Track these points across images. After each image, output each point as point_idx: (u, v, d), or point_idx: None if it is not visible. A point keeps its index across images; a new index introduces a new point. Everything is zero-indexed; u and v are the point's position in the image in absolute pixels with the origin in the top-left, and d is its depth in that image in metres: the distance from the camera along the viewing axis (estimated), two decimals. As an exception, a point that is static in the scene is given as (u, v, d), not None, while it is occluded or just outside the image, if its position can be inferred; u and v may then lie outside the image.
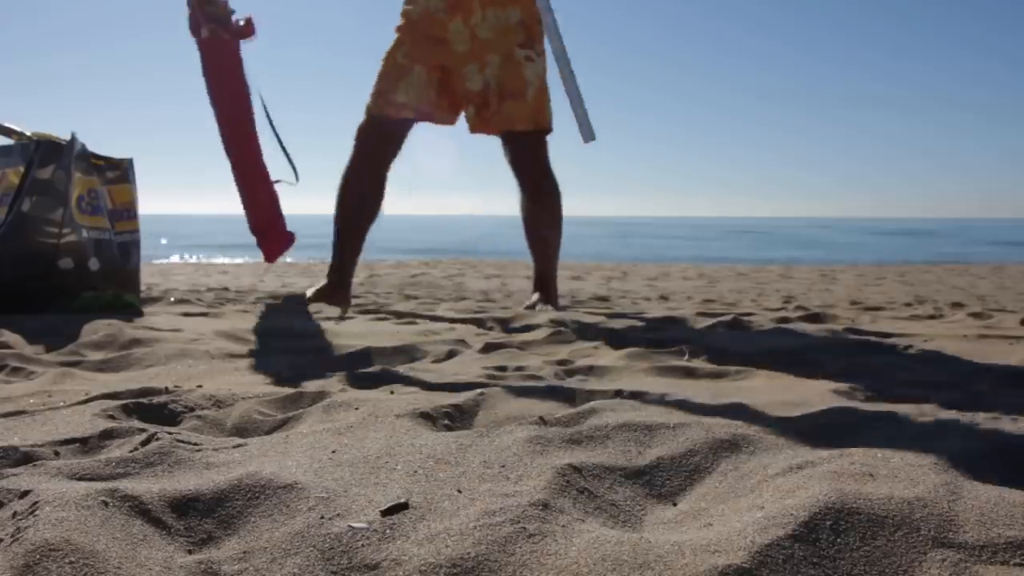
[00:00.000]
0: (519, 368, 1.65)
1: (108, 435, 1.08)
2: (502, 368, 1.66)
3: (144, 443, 1.02)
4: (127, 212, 2.93)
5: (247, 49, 3.01)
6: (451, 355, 1.85)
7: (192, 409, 1.25)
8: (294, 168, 3.16)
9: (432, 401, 1.24)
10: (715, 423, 1.07)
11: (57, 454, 1.02)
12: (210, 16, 2.88)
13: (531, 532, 0.73)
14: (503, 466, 0.92)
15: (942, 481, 0.83)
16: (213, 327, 2.23)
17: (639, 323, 2.46)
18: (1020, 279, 8.40)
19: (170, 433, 1.06)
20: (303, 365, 1.68)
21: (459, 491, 0.84)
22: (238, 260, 10.81)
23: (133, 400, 1.27)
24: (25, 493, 0.81)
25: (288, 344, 1.97)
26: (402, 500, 0.81)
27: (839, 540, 0.71)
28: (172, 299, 3.42)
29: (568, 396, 1.34)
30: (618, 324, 2.40)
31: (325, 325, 2.31)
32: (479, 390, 1.32)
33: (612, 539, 0.72)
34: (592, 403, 1.19)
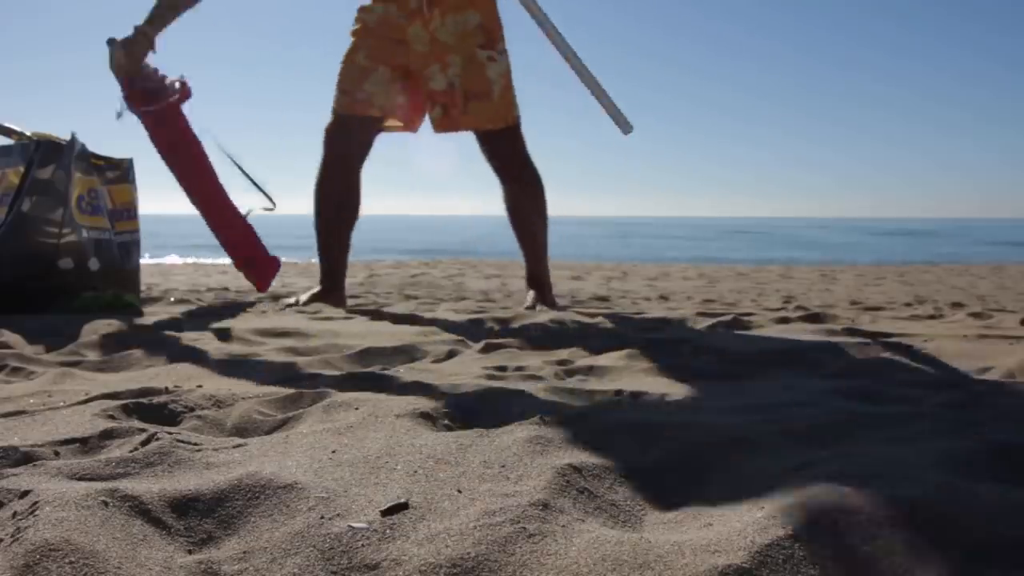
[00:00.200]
0: (519, 368, 1.65)
1: (108, 435, 1.08)
2: (502, 368, 1.66)
3: (144, 443, 1.02)
4: (127, 212, 2.93)
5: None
6: (451, 355, 1.85)
7: (192, 409, 1.25)
8: (268, 196, 3.23)
9: (432, 401, 1.24)
10: (715, 423, 1.08)
11: (57, 454, 1.02)
12: (145, 90, 2.90)
13: (531, 532, 0.73)
14: (503, 466, 0.92)
15: (942, 481, 0.83)
16: (213, 327, 2.23)
17: (639, 323, 2.45)
18: (1020, 279, 8.40)
19: (170, 433, 1.06)
20: (303, 365, 1.68)
21: (459, 491, 0.84)
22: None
23: (133, 400, 1.27)
24: (25, 493, 0.81)
25: (288, 344, 1.97)
26: (402, 500, 0.81)
27: (839, 540, 0.71)
28: (172, 299, 3.42)
29: (568, 396, 1.34)
30: (618, 324, 2.40)
31: (325, 325, 2.31)
32: (479, 390, 1.32)
33: (612, 539, 0.72)
34: (592, 403, 1.19)
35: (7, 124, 2.83)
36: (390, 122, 3.10)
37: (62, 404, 1.28)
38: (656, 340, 2.03)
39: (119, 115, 2.84)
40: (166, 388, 1.37)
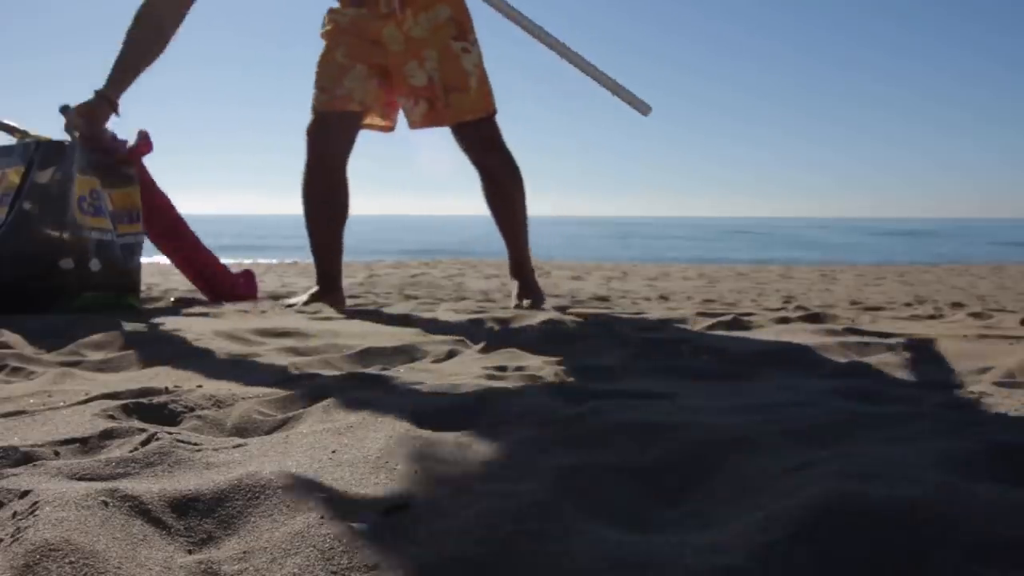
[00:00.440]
0: (519, 368, 1.65)
1: (108, 435, 1.08)
2: (502, 368, 1.66)
3: (144, 443, 1.02)
4: (129, 215, 2.93)
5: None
6: (451, 355, 1.85)
7: (192, 409, 1.25)
8: None
9: (432, 401, 1.24)
10: (715, 423, 1.08)
11: (57, 454, 1.02)
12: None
13: (531, 532, 0.73)
14: (503, 466, 0.92)
15: (942, 481, 0.83)
16: (213, 327, 2.23)
17: (639, 323, 2.45)
18: (1020, 279, 8.40)
19: (170, 433, 1.06)
20: (303, 365, 1.68)
21: (459, 491, 0.84)
22: (238, 260, 10.82)
23: (133, 400, 1.27)
24: (25, 493, 0.81)
25: (288, 344, 1.97)
26: (402, 500, 0.81)
27: (839, 540, 0.71)
28: (172, 299, 3.42)
29: (568, 396, 1.34)
30: (618, 324, 2.40)
31: (325, 325, 2.31)
32: (479, 390, 1.32)
33: (612, 539, 0.72)
34: (592, 403, 1.19)
35: (9, 122, 2.83)
36: (370, 119, 3.12)
37: (62, 404, 1.28)
38: (656, 340, 2.03)
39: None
40: (166, 388, 1.37)
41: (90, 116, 2.74)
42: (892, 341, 2.06)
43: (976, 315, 2.86)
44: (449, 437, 1.03)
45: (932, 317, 2.86)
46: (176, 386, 1.40)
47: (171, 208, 3.20)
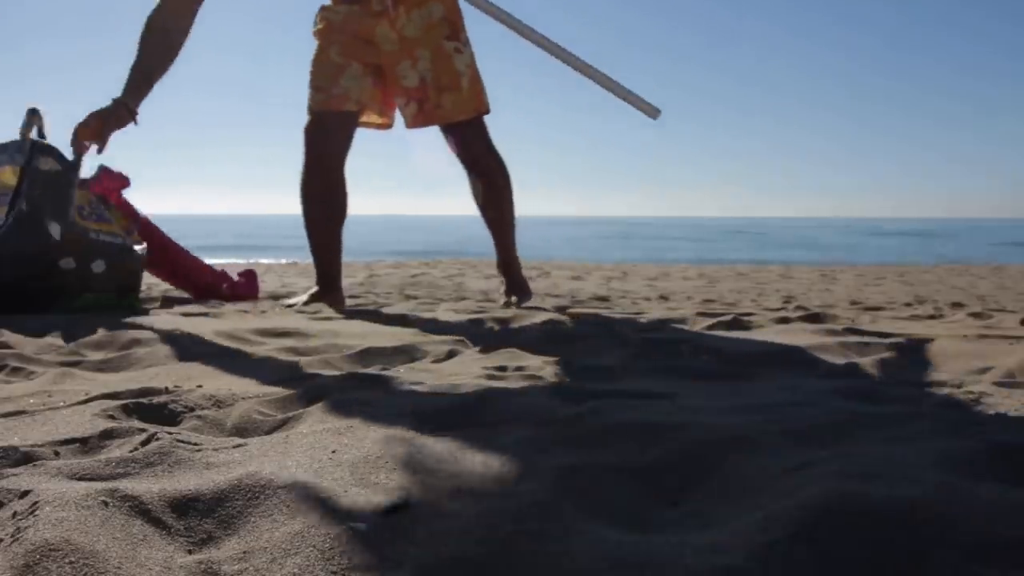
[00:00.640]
0: (519, 368, 1.65)
1: (108, 435, 1.08)
2: (502, 368, 1.66)
3: (144, 443, 1.02)
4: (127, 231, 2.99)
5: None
6: (451, 355, 1.85)
7: (192, 409, 1.25)
8: None
9: (432, 401, 1.24)
10: (715, 423, 1.07)
11: (57, 454, 1.02)
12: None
13: (531, 532, 0.73)
14: (503, 466, 0.92)
15: (942, 481, 0.83)
16: (213, 327, 2.23)
17: (639, 323, 2.45)
18: (1020, 279, 8.40)
19: (170, 433, 1.06)
20: (303, 365, 1.68)
21: (459, 491, 0.84)
22: (239, 260, 10.82)
23: (133, 400, 1.27)
24: (25, 493, 0.81)
25: (288, 344, 1.97)
26: (402, 500, 0.81)
27: (839, 540, 0.71)
28: (172, 299, 3.42)
29: (568, 396, 1.34)
30: (618, 324, 2.40)
31: (325, 325, 2.31)
32: (479, 390, 1.32)
33: (612, 539, 0.72)
34: (592, 403, 1.19)
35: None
36: (367, 116, 3.12)
37: (62, 404, 1.28)
38: (656, 340, 2.03)
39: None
40: (166, 388, 1.37)
41: (108, 120, 2.69)
42: (892, 341, 2.06)
43: (976, 315, 2.86)
44: (449, 437, 1.03)
45: (932, 317, 2.86)
46: (176, 386, 1.40)
47: (156, 232, 3.27)
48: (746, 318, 2.59)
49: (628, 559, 0.69)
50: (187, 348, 1.85)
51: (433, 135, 3.14)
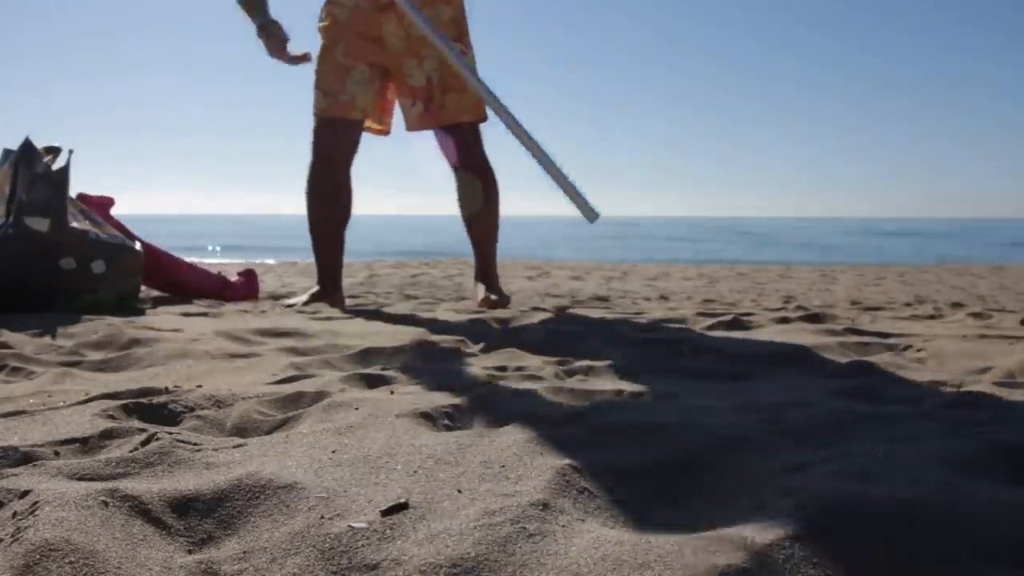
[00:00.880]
0: (519, 368, 1.65)
1: (108, 435, 1.08)
2: (502, 368, 1.66)
3: (144, 443, 1.02)
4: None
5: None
6: (451, 355, 1.85)
7: (192, 409, 1.25)
8: None
9: (432, 401, 1.24)
10: (715, 423, 1.07)
11: (57, 454, 1.02)
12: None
13: (531, 532, 0.73)
14: (503, 466, 0.92)
15: (942, 481, 0.83)
16: (213, 327, 2.23)
17: (639, 323, 2.45)
18: (1020, 279, 8.39)
19: (170, 433, 1.06)
20: (303, 365, 1.68)
21: (459, 491, 0.84)
22: (238, 260, 10.81)
23: (133, 400, 1.27)
24: (25, 493, 0.81)
25: (288, 344, 1.97)
26: (402, 500, 0.81)
27: (839, 540, 0.71)
28: (172, 299, 3.42)
29: (568, 396, 1.34)
30: (618, 324, 2.40)
31: (325, 325, 2.31)
32: (479, 390, 1.32)
33: (612, 539, 0.72)
34: (592, 403, 1.19)
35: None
36: (369, 123, 3.13)
37: (62, 404, 1.28)
38: (656, 340, 2.03)
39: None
40: (166, 388, 1.37)
41: (273, 38, 3.04)
42: (892, 341, 2.06)
43: (976, 315, 2.86)
44: (449, 437, 1.03)
45: (932, 317, 2.86)
46: (176, 386, 1.40)
47: (149, 246, 3.29)
48: (746, 318, 2.59)
49: (628, 559, 0.69)
50: (187, 348, 1.85)
51: (432, 137, 3.14)
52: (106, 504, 0.78)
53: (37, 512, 0.75)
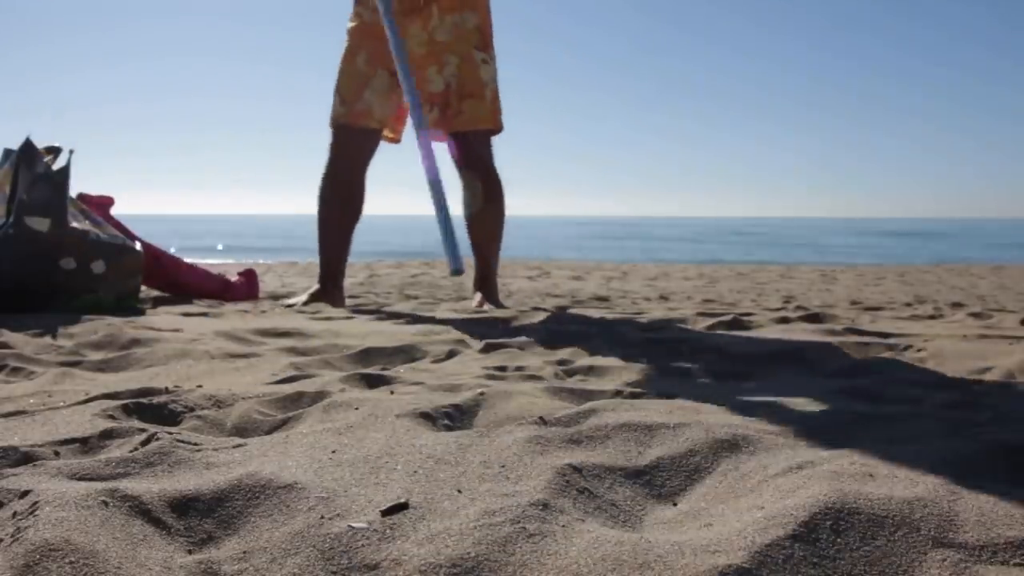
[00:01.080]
0: (519, 368, 1.65)
1: (108, 435, 1.08)
2: (502, 368, 1.66)
3: (144, 443, 1.02)
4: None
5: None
6: (451, 355, 1.85)
7: (192, 409, 1.25)
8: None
9: (432, 401, 1.24)
10: (715, 423, 1.07)
11: (57, 454, 1.02)
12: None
13: (531, 532, 0.73)
14: (503, 466, 0.92)
15: (942, 481, 0.83)
16: (213, 327, 2.23)
17: (639, 323, 2.45)
18: (1020, 279, 8.39)
19: (170, 433, 1.06)
20: (303, 365, 1.68)
21: (459, 491, 0.84)
22: (237, 260, 10.82)
23: (133, 400, 1.27)
24: (25, 493, 0.81)
25: (288, 344, 1.97)
26: (402, 500, 0.81)
27: (839, 540, 0.71)
28: (172, 299, 3.42)
29: (568, 396, 1.34)
30: (618, 324, 2.40)
31: (325, 325, 2.31)
32: (479, 390, 1.32)
33: (612, 539, 0.72)
34: (592, 403, 1.19)
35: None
36: (385, 131, 3.15)
37: (62, 404, 1.28)
38: (656, 340, 2.03)
39: None
40: (166, 388, 1.37)
41: None
42: (892, 341, 2.06)
43: (976, 315, 2.86)
44: (449, 437, 1.03)
45: (932, 317, 2.86)
46: (176, 386, 1.40)
47: (149, 246, 3.30)
48: (746, 318, 2.59)
49: (628, 559, 0.69)
50: (187, 348, 1.85)
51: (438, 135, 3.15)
52: (106, 504, 0.78)
53: (37, 512, 0.75)
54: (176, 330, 2.16)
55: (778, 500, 0.80)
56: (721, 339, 2.07)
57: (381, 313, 2.80)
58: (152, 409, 1.24)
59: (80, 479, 0.89)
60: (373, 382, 1.48)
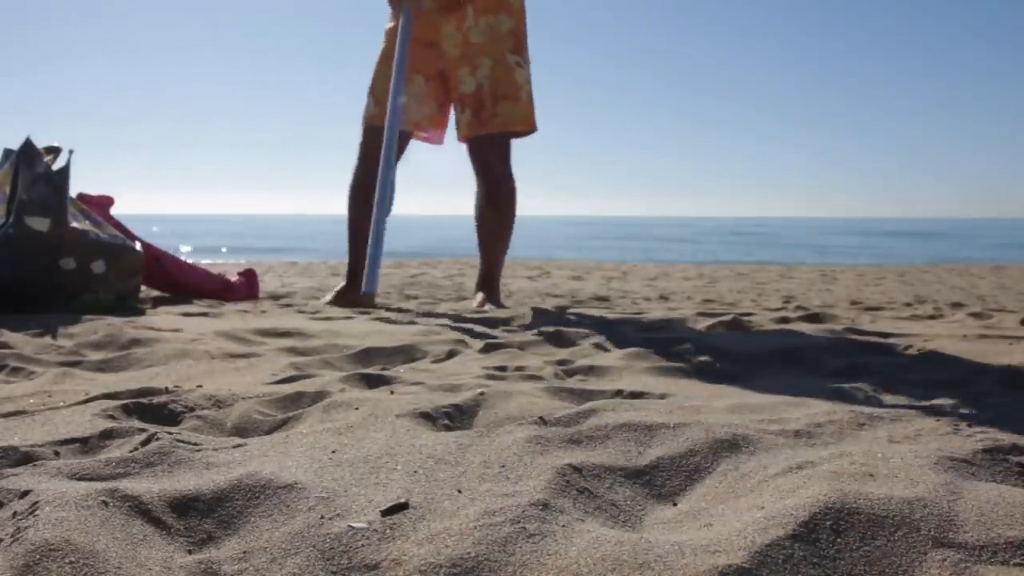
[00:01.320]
0: (519, 368, 1.65)
1: (108, 435, 1.08)
2: (502, 368, 1.66)
3: (144, 443, 1.02)
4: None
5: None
6: (451, 355, 1.85)
7: (192, 409, 1.25)
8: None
9: (432, 401, 1.24)
10: (715, 423, 1.07)
11: (57, 454, 1.02)
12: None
13: (531, 532, 0.73)
14: (503, 466, 0.92)
15: (942, 481, 0.83)
16: (213, 327, 2.23)
17: (639, 323, 2.45)
18: (1020, 279, 8.39)
19: (170, 433, 1.06)
20: (303, 365, 1.68)
21: (459, 491, 0.84)
22: (238, 260, 10.81)
23: (133, 400, 1.27)
24: (25, 493, 0.81)
25: (288, 344, 1.97)
26: (402, 500, 0.81)
27: (839, 540, 0.71)
28: (172, 299, 3.42)
29: (568, 396, 1.34)
30: (618, 324, 2.40)
31: (325, 325, 2.31)
32: (479, 390, 1.32)
33: (612, 539, 0.72)
34: (592, 403, 1.19)
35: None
36: (418, 131, 3.16)
37: (62, 404, 1.28)
38: (656, 340, 2.03)
39: None
40: (166, 388, 1.37)
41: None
42: (892, 341, 2.06)
43: (976, 315, 2.86)
44: (449, 437, 1.03)
45: (932, 317, 2.86)
46: (176, 386, 1.40)
47: (149, 246, 3.30)
48: (746, 318, 2.58)
49: (628, 559, 0.69)
50: (187, 348, 1.85)
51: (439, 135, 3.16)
52: (106, 504, 0.78)
53: (37, 512, 0.75)
54: (176, 330, 2.16)
55: (778, 500, 0.80)
56: (721, 339, 2.07)
57: (381, 313, 2.80)
58: (152, 409, 1.24)
59: (80, 479, 0.89)
60: (373, 382, 1.48)
